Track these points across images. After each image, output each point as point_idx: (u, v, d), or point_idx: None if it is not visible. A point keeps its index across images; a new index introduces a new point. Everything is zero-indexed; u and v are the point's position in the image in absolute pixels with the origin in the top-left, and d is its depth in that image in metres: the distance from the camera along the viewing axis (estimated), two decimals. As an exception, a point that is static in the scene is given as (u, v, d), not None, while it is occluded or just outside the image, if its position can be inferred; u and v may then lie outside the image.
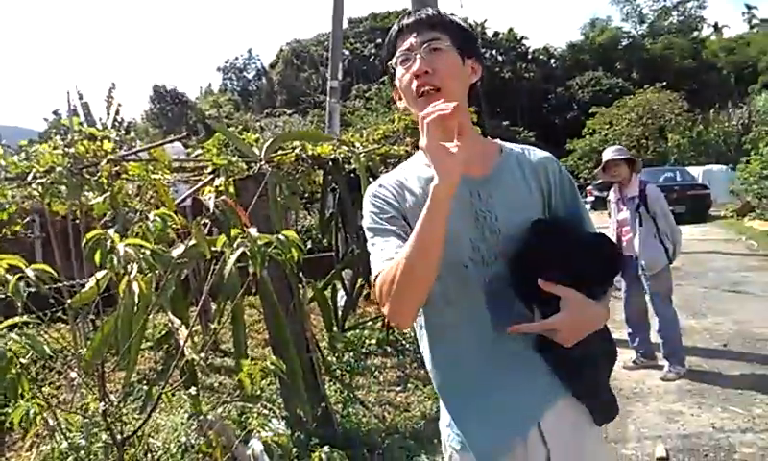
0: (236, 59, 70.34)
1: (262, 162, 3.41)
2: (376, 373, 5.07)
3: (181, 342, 2.59)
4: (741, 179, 14.65)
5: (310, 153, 4.82)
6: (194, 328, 2.97)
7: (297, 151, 4.60)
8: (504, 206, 1.38)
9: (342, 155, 5.05)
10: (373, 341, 5.61)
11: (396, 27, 1.45)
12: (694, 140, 27.83)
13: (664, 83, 32.56)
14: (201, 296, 3.23)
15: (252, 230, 1.92)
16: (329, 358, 4.81)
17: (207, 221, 4.68)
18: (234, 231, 2.31)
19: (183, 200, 4.31)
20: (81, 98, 19.73)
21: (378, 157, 5.50)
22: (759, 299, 6.79)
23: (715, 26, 60.24)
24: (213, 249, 3.04)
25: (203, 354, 2.56)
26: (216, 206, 4.01)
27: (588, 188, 22.17)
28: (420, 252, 1.21)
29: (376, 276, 1.32)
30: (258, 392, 3.48)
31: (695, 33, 57.00)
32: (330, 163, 4.95)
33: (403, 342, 5.66)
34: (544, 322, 1.29)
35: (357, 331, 6.14)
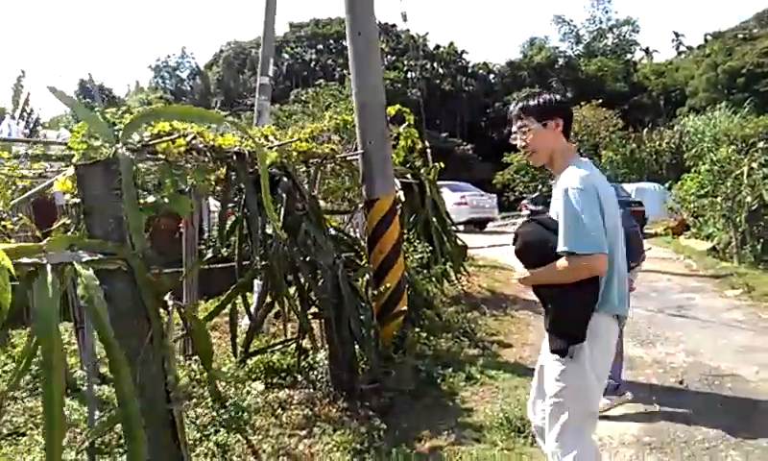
0: (168, 57, 67.80)
1: (119, 146, 2.54)
2: (279, 410, 4.23)
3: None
4: (678, 197, 14.62)
5: (211, 143, 3.98)
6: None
7: (188, 138, 3.75)
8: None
9: (250, 149, 4.22)
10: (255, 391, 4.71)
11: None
12: (627, 158, 28.29)
13: (599, 101, 33.10)
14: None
15: None
16: (207, 405, 3.94)
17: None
18: None
19: (29, 197, 3.38)
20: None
21: (296, 154, 4.68)
22: (708, 326, 6.33)
23: (646, 50, 62.53)
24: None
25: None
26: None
27: (522, 202, 21.98)
28: None
29: None
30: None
31: (628, 56, 58.94)
32: (234, 157, 4.11)
33: (316, 370, 4.85)
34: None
35: (267, 355, 5.29)
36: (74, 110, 2.67)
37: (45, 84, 2.38)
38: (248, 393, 4.65)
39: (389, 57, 49.44)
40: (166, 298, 2.69)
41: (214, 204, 8.23)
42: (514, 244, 2.44)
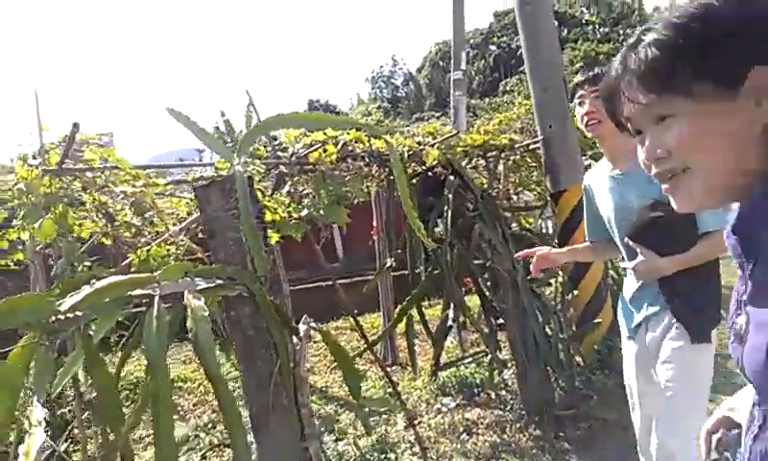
0: (382, 67, 71.23)
1: (236, 163, 2.34)
2: (464, 435, 3.82)
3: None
4: None
5: (368, 147, 3.73)
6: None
7: (339, 146, 3.52)
8: (634, 195, 2.20)
9: (409, 148, 3.89)
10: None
11: (577, 79, 2.43)
12: None
13: None
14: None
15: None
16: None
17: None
18: None
19: (187, 227, 3.40)
20: (223, 115, 20.44)
21: (462, 149, 4.23)
22: None
23: None
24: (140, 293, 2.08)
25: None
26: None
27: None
28: None
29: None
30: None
31: None
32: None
33: (508, 390, 4.33)
34: (629, 263, 2.22)
35: (462, 368, 4.93)
36: (192, 131, 2.56)
37: (166, 107, 2.26)
38: (438, 411, 4.36)
39: (600, 29, 46.04)
40: (302, 322, 2.45)
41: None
42: (635, 228, 2.20)
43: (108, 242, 3.25)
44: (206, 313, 2.03)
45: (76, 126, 2.00)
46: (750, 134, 0.77)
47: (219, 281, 2.20)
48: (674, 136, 0.82)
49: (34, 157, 2.88)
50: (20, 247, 3.25)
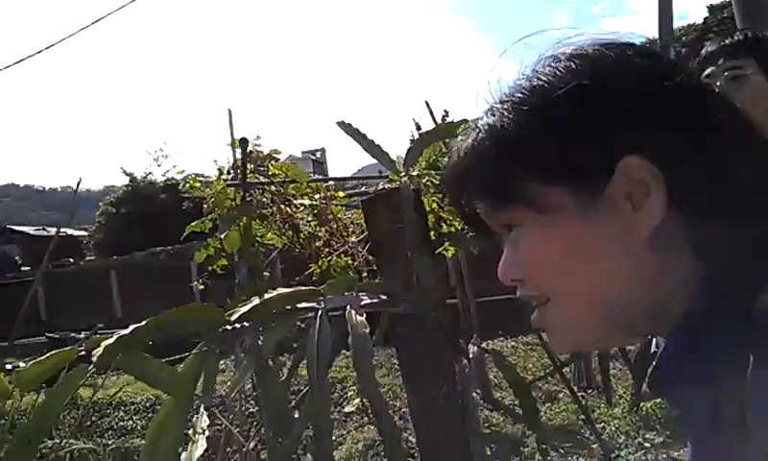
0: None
1: (403, 175, 2.25)
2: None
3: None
4: None
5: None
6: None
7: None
8: None
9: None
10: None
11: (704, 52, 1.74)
12: None
13: None
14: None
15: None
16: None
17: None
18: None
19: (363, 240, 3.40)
20: (418, 128, 21.02)
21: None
22: None
23: None
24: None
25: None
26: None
27: None
28: None
29: None
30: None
31: None
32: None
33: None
34: None
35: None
36: (360, 144, 2.52)
37: (336, 121, 2.26)
38: (639, 445, 3.92)
39: None
40: (471, 342, 2.28)
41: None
42: None
43: (296, 251, 3.38)
44: (367, 330, 1.96)
45: (244, 141, 2.07)
46: (630, 249, 0.53)
47: (383, 297, 2.13)
48: (522, 256, 0.58)
49: (228, 172, 3.09)
50: (223, 254, 3.49)
